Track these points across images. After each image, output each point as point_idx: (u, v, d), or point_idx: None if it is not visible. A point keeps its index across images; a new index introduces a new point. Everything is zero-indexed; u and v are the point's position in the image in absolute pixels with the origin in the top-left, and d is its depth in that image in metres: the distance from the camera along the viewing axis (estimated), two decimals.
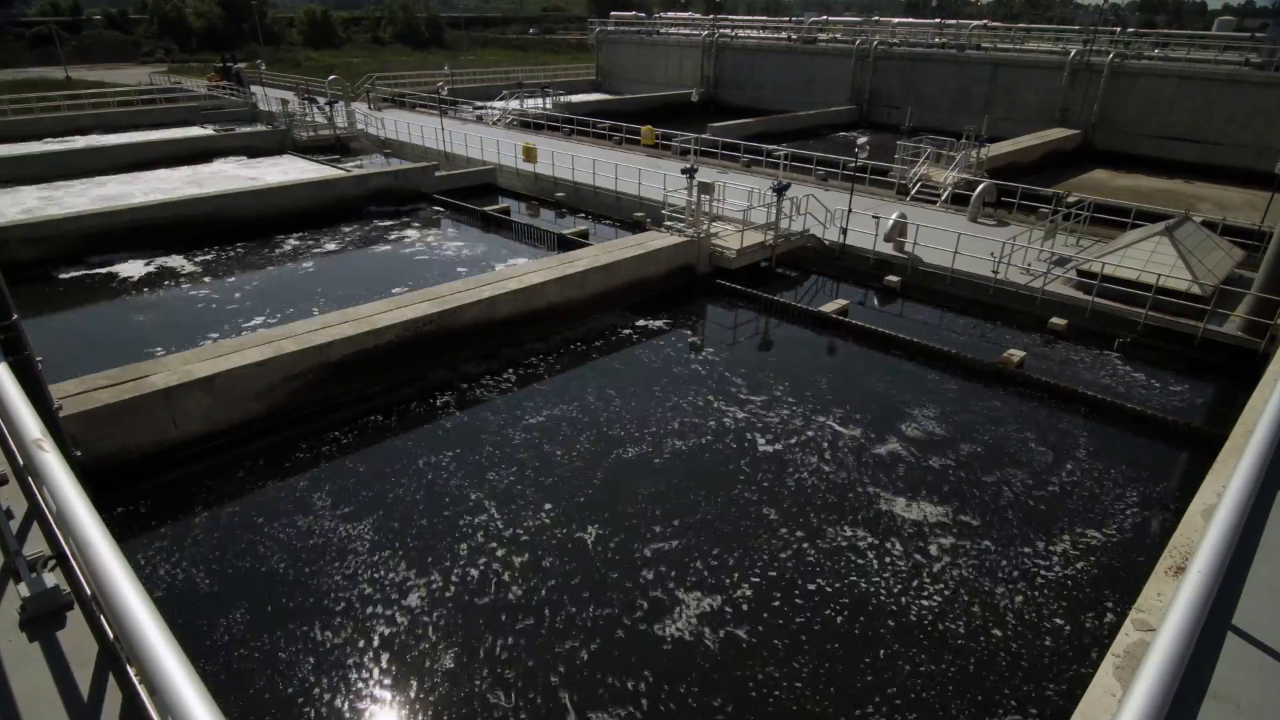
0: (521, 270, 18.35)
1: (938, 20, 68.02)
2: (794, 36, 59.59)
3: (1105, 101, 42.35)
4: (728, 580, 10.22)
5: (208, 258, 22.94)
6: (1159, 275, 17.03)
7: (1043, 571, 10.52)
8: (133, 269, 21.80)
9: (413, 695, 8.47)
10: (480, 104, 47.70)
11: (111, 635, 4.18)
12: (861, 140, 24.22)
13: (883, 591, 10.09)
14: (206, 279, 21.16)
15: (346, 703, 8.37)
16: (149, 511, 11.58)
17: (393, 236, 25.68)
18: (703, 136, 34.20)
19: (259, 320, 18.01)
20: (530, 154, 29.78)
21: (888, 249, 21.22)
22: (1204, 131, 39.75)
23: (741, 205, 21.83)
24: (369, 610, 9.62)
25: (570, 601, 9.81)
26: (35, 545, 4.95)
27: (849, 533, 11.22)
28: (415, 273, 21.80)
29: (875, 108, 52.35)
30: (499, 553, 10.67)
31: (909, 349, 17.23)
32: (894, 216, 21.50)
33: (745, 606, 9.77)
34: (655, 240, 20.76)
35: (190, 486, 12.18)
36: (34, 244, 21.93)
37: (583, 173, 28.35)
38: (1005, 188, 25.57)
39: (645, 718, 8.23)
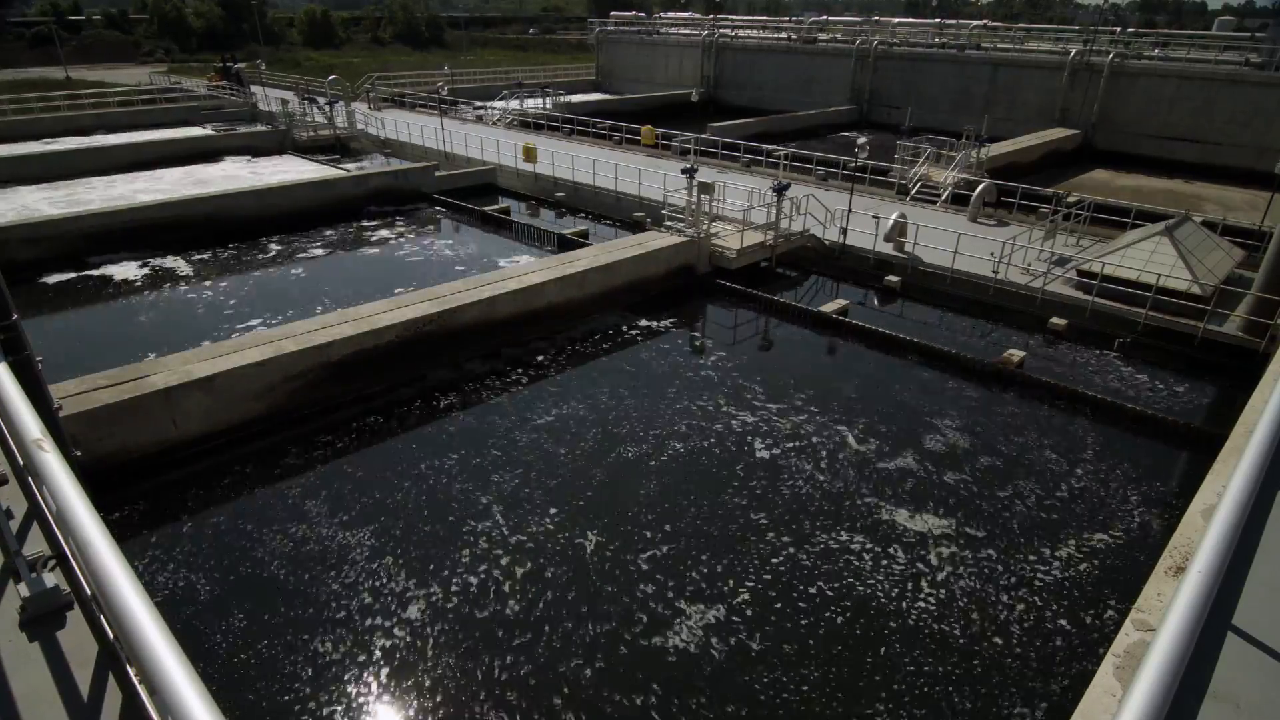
0: (521, 270, 18.35)
1: (938, 20, 68.04)
2: (794, 36, 59.60)
3: (1105, 101, 42.36)
4: (727, 587, 10.21)
5: (208, 258, 22.94)
6: (1159, 275, 17.03)
7: (1042, 571, 10.52)
8: (132, 269, 21.80)
9: (413, 696, 8.47)
10: (480, 104, 47.70)
11: (111, 635, 4.18)
12: (861, 140, 24.22)
13: (883, 593, 10.09)
14: (206, 279, 21.16)
15: (345, 705, 8.37)
16: (149, 511, 11.58)
17: (393, 236, 25.68)
18: (703, 136, 34.20)
19: (259, 320, 18.00)
20: (530, 154, 29.78)
21: (888, 249, 21.22)
22: (1204, 131, 39.76)
23: (741, 205, 21.83)
24: (369, 610, 9.62)
25: (573, 608, 9.79)
26: (35, 545, 4.95)
27: (849, 536, 11.22)
28: (415, 273, 21.81)
29: (875, 108, 52.35)
30: (496, 553, 10.66)
31: (909, 349, 17.23)
32: (894, 216, 21.50)
33: (749, 612, 9.76)
34: (655, 240, 20.76)
35: (190, 487, 12.17)
36: (34, 244, 21.93)
37: (583, 173, 28.35)
38: (1005, 188, 25.56)
39: None
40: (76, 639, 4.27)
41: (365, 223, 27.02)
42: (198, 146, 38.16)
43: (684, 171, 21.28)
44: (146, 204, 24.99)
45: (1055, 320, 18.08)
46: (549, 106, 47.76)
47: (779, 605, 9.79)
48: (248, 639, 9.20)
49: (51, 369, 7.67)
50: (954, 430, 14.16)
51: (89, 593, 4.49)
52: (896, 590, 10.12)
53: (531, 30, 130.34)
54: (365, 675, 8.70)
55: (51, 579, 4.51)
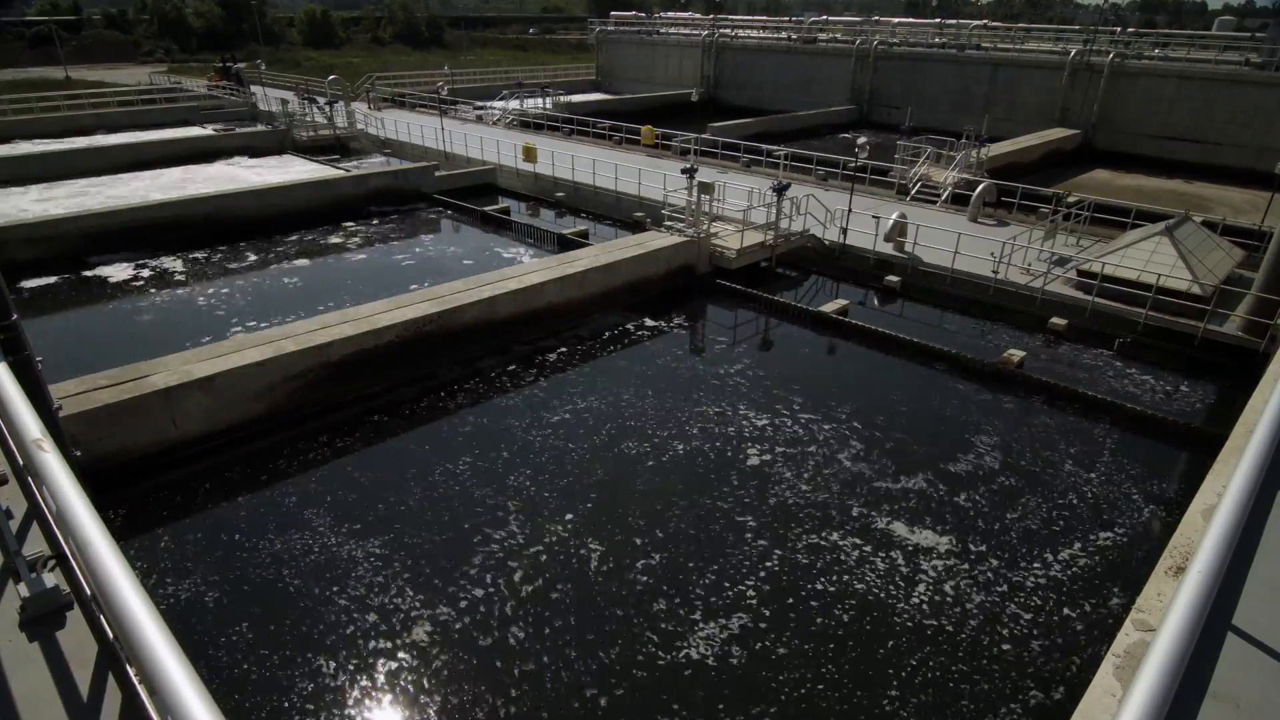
0: (521, 270, 18.35)
1: (938, 20, 68.05)
2: (794, 36, 59.60)
3: (1105, 101, 42.35)
4: (727, 591, 10.21)
5: (207, 258, 22.93)
6: (1159, 275, 17.02)
7: (1042, 571, 10.52)
8: (132, 269, 21.80)
9: (413, 697, 8.47)
10: (480, 104, 47.71)
11: (111, 635, 4.18)
12: (861, 140, 24.22)
13: (883, 592, 10.09)
14: (206, 279, 21.16)
15: (345, 706, 8.37)
16: (149, 511, 11.58)
17: (392, 236, 25.68)
18: (703, 136, 34.19)
19: (258, 320, 17.99)
20: (530, 154, 29.78)
21: (888, 249, 21.22)
22: (1204, 131, 39.76)
23: (741, 205, 21.83)
24: (370, 611, 9.62)
25: (584, 611, 9.80)
26: (35, 545, 4.95)
27: (848, 536, 11.21)
28: (415, 272, 21.81)
29: (875, 108, 52.35)
30: (495, 551, 10.67)
31: (909, 349, 17.23)
32: (894, 216, 21.49)
33: (751, 615, 9.76)
34: (655, 240, 20.76)
35: (190, 486, 12.18)
36: (34, 244, 21.94)
37: (583, 173, 28.35)
38: (1005, 188, 25.56)
39: None
40: (76, 639, 4.27)
41: (365, 223, 27.02)
42: (197, 146, 38.14)
43: (684, 171, 21.28)
44: (146, 204, 24.99)
45: (1055, 320, 18.08)
46: (549, 106, 47.76)
47: (789, 602, 9.79)
48: (247, 639, 9.20)
49: (51, 369, 7.67)
50: (953, 430, 14.16)
51: (89, 593, 4.49)
52: (896, 590, 10.11)
53: (531, 30, 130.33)
54: (366, 676, 8.70)
55: (51, 579, 4.51)
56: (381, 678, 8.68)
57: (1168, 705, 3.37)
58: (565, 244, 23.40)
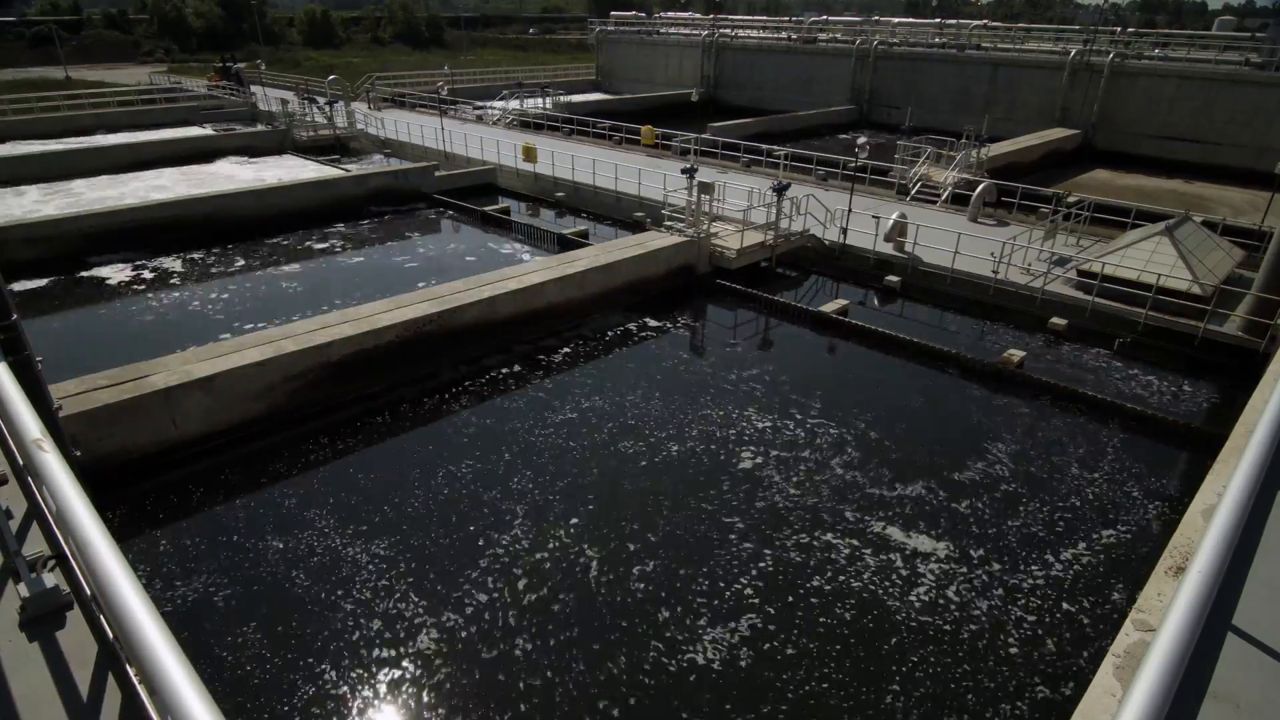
0: (521, 270, 18.35)
1: (938, 20, 68.05)
2: (794, 36, 59.60)
3: (1105, 101, 42.35)
4: (729, 593, 10.21)
5: (207, 258, 22.93)
6: (1159, 275, 17.02)
7: (1042, 571, 10.52)
8: (132, 269, 21.80)
9: (414, 697, 8.47)
10: (480, 104, 47.70)
11: (111, 635, 4.17)
12: (861, 140, 24.22)
13: (883, 591, 10.09)
14: (206, 279, 21.16)
15: (345, 707, 8.37)
16: (149, 511, 11.58)
17: (392, 236, 25.69)
18: (703, 136, 34.19)
19: (258, 320, 17.99)
20: (530, 154, 29.78)
21: (888, 249, 21.22)
22: (1204, 131, 39.76)
23: (741, 205, 21.82)
24: (370, 610, 9.62)
25: (588, 620, 9.80)
26: (35, 545, 4.95)
27: (848, 535, 11.21)
28: (415, 272, 21.81)
29: (875, 108, 52.35)
30: (495, 549, 10.67)
31: (909, 349, 17.23)
32: (894, 216, 21.49)
33: (756, 615, 9.76)
34: (655, 240, 20.76)
35: (190, 486, 12.17)
36: (34, 244, 21.94)
37: (583, 173, 28.35)
38: (1005, 188, 25.56)
39: None
40: (76, 639, 4.27)
41: (365, 223, 27.02)
42: (197, 146, 38.14)
43: (684, 171, 21.28)
44: (146, 204, 24.99)
45: (1055, 320, 18.08)
46: (549, 106, 47.75)
47: (789, 600, 9.79)
48: (247, 639, 9.20)
49: (51, 369, 7.67)
50: (954, 431, 14.16)
51: (89, 593, 4.48)
52: (896, 590, 10.11)
53: (531, 30, 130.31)
54: (366, 678, 8.70)
55: (51, 579, 4.50)
56: (383, 680, 8.68)
57: (1168, 705, 3.36)
58: (565, 244, 23.39)
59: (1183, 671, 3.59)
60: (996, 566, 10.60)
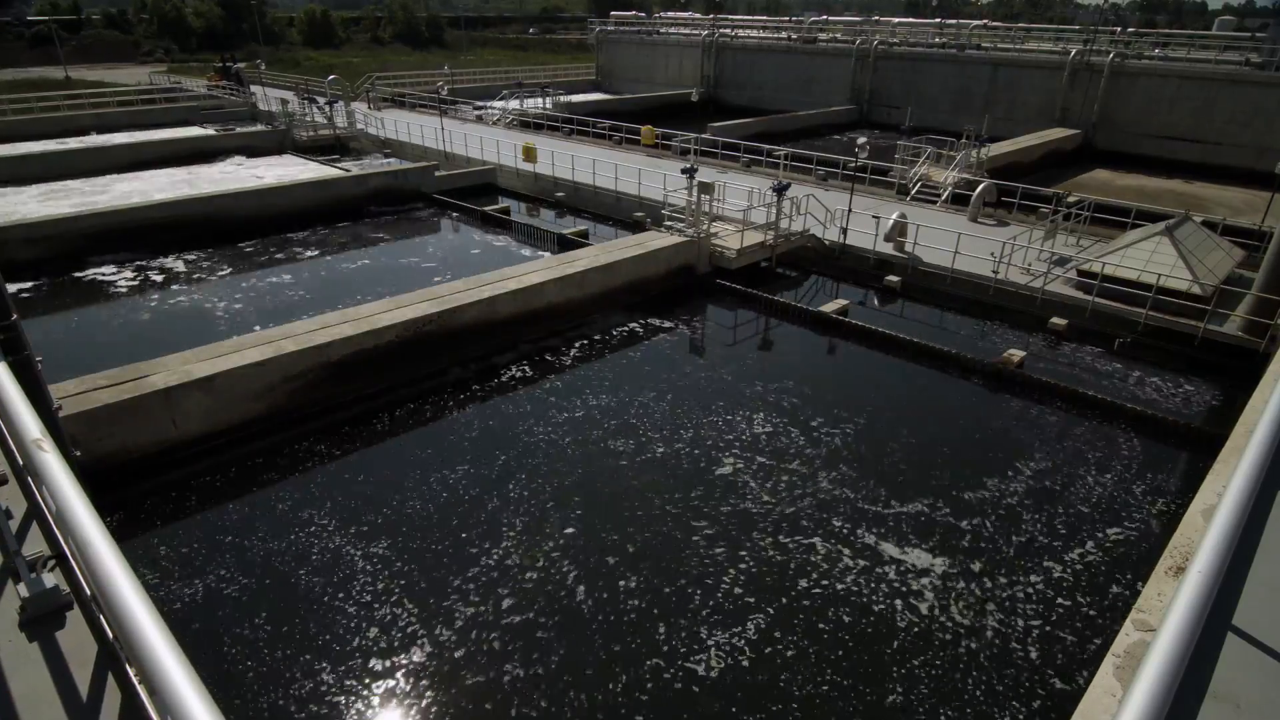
0: (521, 270, 18.34)
1: (938, 20, 68.04)
2: (794, 36, 59.59)
3: (1105, 101, 42.35)
4: (728, 594, 10.21)
5: (207, 258, 22.93)
6: (1159, 275, 17.02)
7: (1042, 571, 10.52)
8: (132, 269, 21.80)
9: (413, 698, 8.47)
10: (480, 104, 47.70)
11: (111, 635, 4.17)
12: (861, 140, 24.22)
13: (882, 592, 10.09)
14: (206, 279, 21.16)
15: (344, 708, 8.36)
16: (149, 511, 11.58)
17: (392, 236, 25.69)
18: (703, 136, 34.19)
19: (258, 320, 17.99)
20: (530, 154, 29.78)
21: (888, 249, 21.22)
22: (1204, 131, 39.76)
23: (741, 205, 21.82)
24: (371, 613, 9.62)
25: (588, 626, 9.80)
26: (35, 545, 4.95)
27: (847, 536, 11.21)
28: (414, 273, 21.81)
29: (875, 108, 52.35)
30: (498, 559, 10.67)
31: (909, 349, 17.23)
32: (894, 216, 21.49)
33: (760, 615, 9.76)
34: (655, 240, 20.76)
35: (190, 487, 12.17)
36: (34, 244, 21.93)
37: (583, 173, 28.35)
38: (1005, 188, 25.56)
39: None
40: (76, 639, 4.26)
41: (365, 223, 27.02)
42: (197, 146, 38.14)
43: (684, 171, 21.27)
44: (146, 204, 24.99)
45: (1055, 320, 18.07)
46: (549, 106, 47.75)
47: (783, 601, 9.79)
48: (247, 639, 9.20)
49: (51, 369, 7.67)
50: (954, 431, 14.16)
51: (89, 593, 4.48)
52: (895, 590, 10.11)
53: (531, 30, 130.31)
54: (366, 679, 8.70)
55: (51, 579, 4.50)
56: (384, 681, 8.68)
57: (1168, 705, 3.36)
58: (565, 244, 23.39)
59: (1183, 671, 3.58)
60: (995, 566, 10.60)
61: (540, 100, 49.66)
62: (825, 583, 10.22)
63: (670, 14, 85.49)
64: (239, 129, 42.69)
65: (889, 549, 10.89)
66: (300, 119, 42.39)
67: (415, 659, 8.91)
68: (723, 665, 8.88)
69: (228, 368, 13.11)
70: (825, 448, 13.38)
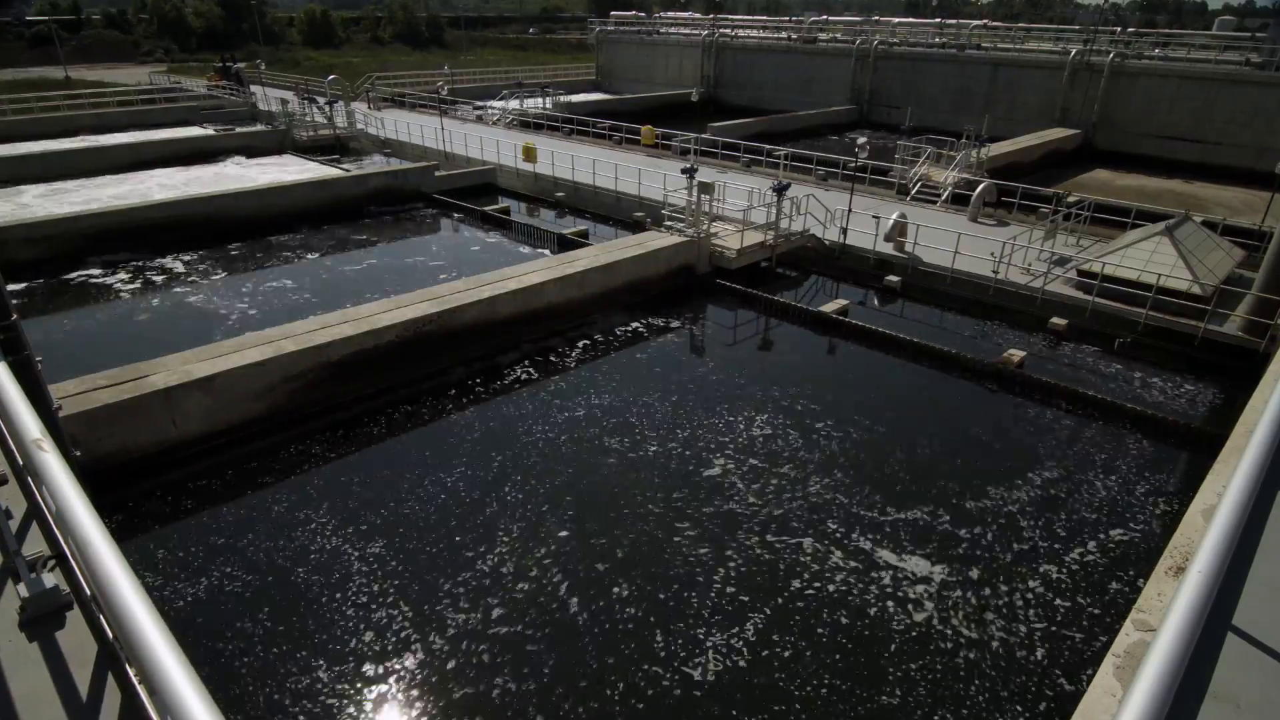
0: (521, 270, 18.34)
1: (938, 20, 68.03)
2: (794, 36, 59.59)
3: (1105, 101, 42.35)
4: (726, 594, 10.22)
5: (207, 258, 22.93)
6: (1159, 275, 17.02)
7: (1041, 571, 10.52)
8: (132, 269, 21.80)
9: (414, 698, 8.47)
10: (480, 104, 47.70)
11: (111, 635, 4.17)
12: (861, 140, 24.22)
13: (882, 592, 10.09)
14: (206, 279, 21.16)
15: (343, 708, 8.36)
16: (149, 511, 11.58)
17: (392, 236, 25.68)
18: (703, 136, 34.19)
19: (258, 320, 17.99)
20: (530, 154, 29.78)
21: (888, 249, 21.22)
22: (1204, 131, 39.75)
23: (741, 205, 21.82)
24: (371, 613, 9.62)
25: (588, 626, 9.81)
26: (35, 545, 4.95)
27: (846, 536, 11.21)
28: (414, 273, 21.81)
29: (875, 108, 52.34)
30: (498, 560, 10.67)
31: (909, 349, 17.23)
32: (894, 216, 21.49)
33: (760, 616, 9.76)
34: (655, 240, 20.76)
35: (190, 487, 12.17)
36: (34, 244, 21.93)
37: (583, 173, 28.35)
38: (1005, 188, 25.56)
39: None
40: (76, 639, 4.27)
41: (365, 223, 27.02)
42: (197, 146, 38.14)
43: (684, 171, 21.27)
44: (146, 204, 24.99)
45: (1055, 320, 18.08)
46: (549, 106, 47.76)
47: (777, 602, 9.79)
48: (247, 639, 9.20)
49: (51, 369, 7.67)
50: (954, 431, 14.16)
51: (89, 593, 4.48)
52: (895, 590, 10.11)
53: (531, 30, 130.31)
54: (366, 679, 8.70)
55: (51, 579, 4.50)
56: (383, 682, 8.68)
57: (1168, 705, 3.36)
58: (565, 244, 23.39)
59: (1183, 671, 3.59)
60: (995, 566, 10.60)
61: (540, 100, 49.66)
62: (825, 578, 10.21)
63: (670, 14, 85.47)
64: (239, 129, 42.68)
65: (885, 549, 10.88)
66: (300, 119, 42.39)
67: (418, 665, 8.91)
68: (720, 668, 8.88)
69: (228, 368, 13.11)
70: (825, 447, 13.36)
